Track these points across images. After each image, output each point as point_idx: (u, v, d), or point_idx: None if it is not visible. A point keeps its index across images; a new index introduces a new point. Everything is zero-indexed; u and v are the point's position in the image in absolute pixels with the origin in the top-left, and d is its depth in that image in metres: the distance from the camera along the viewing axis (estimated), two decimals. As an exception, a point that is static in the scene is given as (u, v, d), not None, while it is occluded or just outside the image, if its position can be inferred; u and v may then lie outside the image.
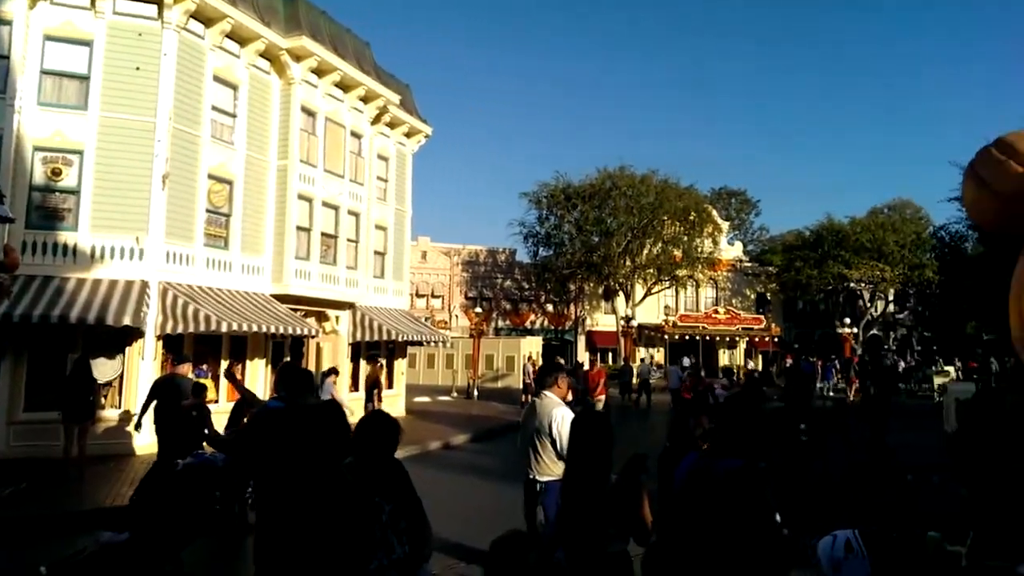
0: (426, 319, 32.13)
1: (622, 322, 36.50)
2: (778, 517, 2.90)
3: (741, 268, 46.63)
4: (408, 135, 22.48)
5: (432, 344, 24.27)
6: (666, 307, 41.59)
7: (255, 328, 14.03)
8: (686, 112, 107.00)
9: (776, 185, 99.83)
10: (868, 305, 45.24)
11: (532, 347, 34.54)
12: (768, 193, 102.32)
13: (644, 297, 39.21)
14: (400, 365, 21.34)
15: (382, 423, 3.22)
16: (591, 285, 40.22)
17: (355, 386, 18.78)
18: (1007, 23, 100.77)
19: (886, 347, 45.14)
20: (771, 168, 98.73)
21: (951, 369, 30.38)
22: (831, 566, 2.17)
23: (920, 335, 49.01)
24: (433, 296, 41.88)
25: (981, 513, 6.66)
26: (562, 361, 26.27)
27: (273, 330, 14.59)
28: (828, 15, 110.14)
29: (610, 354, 40.98)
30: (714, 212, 44.05)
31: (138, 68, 13.70)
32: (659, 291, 39.94)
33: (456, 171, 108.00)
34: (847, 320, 39.76)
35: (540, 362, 30.26)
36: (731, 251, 46.42)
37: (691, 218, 38.77)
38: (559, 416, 5.05)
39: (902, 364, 35.24)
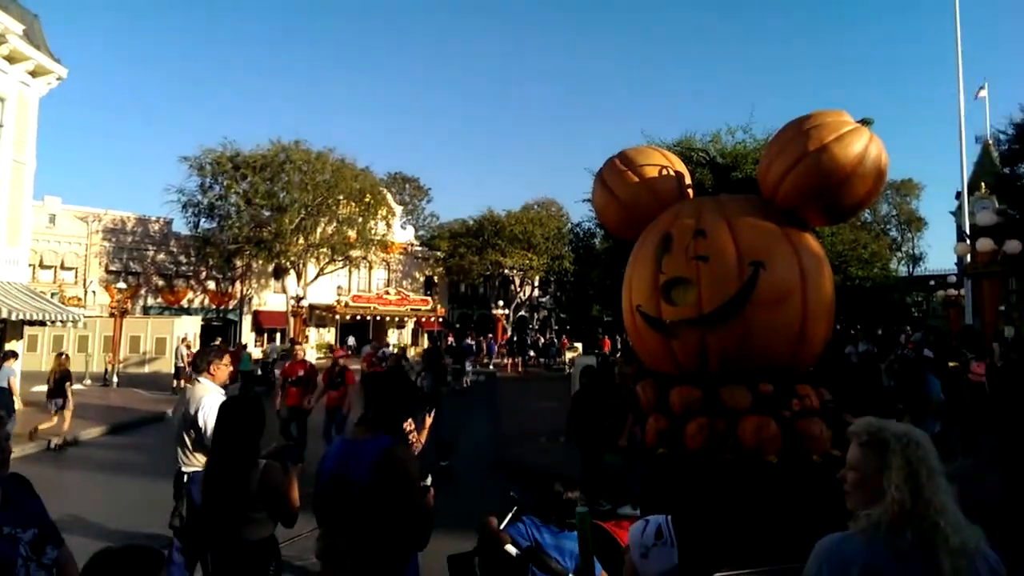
0: (53, 294, 27.23)
1: (292, 302, 35.37)
2: (429, 480, 3.03)
3: (412, 252, 48.45)
4: (34, 74, 18.64)
5: (59, 324, 20.59)
6: (339, 287, 41.33)
7: None
8: (367, 96, 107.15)
9: (446, 176, 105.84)
10: (518, 289, 50.63)
11: (188, 328, 31.60)
12: (439, 182, 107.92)
13: (316, 276, 38.42)
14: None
15: None
16: (260, 262, 38.02)
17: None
18: (635, 53, 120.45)
19: (531, 326, 51.08)
20: (442, 160, 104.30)
21: (579, 345, 35.57)
22: (640, 552, 2.09)
23: (558, 316, 56.45)
24: (64, 268, 35.53)
25: (591, 464, 7.92)
26: (219, 342, 24.49)
27: None
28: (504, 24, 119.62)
29: (278, 335, 39.46)
30: (389, 196, 44.94)
31: None
32: (332, 271, 39.47)
33: (103, 125, 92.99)
34: (501, 302, 43.96)
35: (197, 344, 27.80)
36: (403, 235, 47.92)
37: (367, 200, 38.97)
38: (207, 404, 4.70)
39: (542, 340, 40.18)
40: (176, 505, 4.84)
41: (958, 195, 29.87)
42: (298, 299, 34.95)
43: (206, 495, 3.29)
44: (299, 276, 37.26)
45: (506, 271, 48.55)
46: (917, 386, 6.59)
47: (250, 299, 40.11)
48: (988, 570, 1.79)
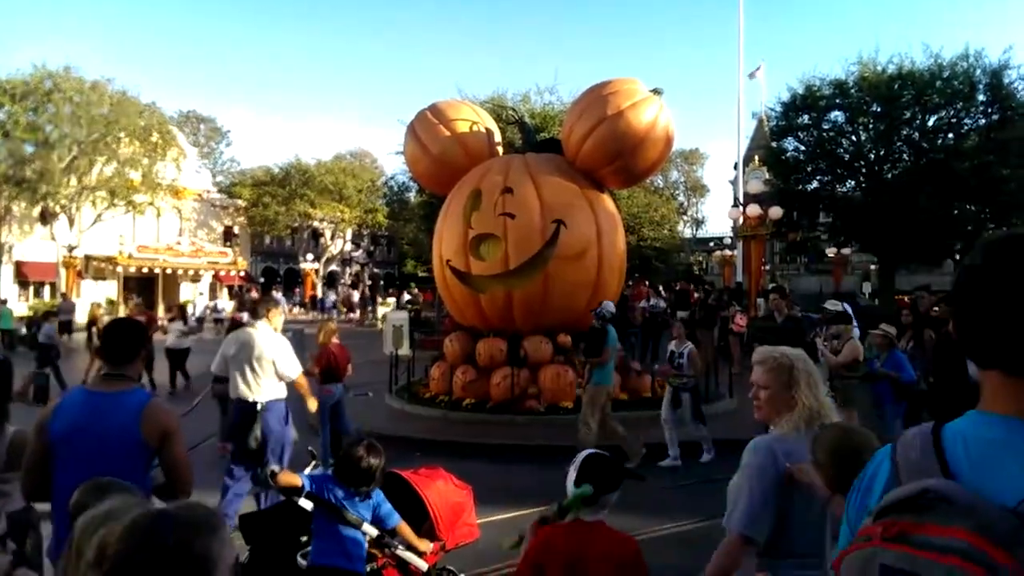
0: None
1: (64, 251, 31.34)
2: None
3: (208, 199, 44.81)
4: None
5: None
6: (121, 236, 37.19)
7: None
8: (152, 27, 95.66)
9: (250, 120, 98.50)
10: (329, 243, 48.97)
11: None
12: (240, 125, 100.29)
13: (94, 223, 34.25)
14: None
15: None
16: (22, 205, 33.06)
17: None
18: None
19: (342, 281, 49.89)
20: (245, 102, 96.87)
21: (392, 300, 35.40)
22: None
23: (371, 271, 55.58)
24: None
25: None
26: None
27: None
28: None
29: (47, 288, 34.86)
30: (180, 136, 40.96)
31: None
32: (113, 218, 35.38)
33: None
34: (310, 256, 42.27)
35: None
36: (198, 180, 44.11)
37: (153, 139, 35.15)
38: (271, 342, 5.92)
39: (356, 295, 39.39)
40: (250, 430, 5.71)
41: (735, 166, 33.41)
42: (71, 248, 31.06)
43: None
44: (71, 222, 33.03)
45: (316, 223, 46.59)
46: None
47: (11, 248, 34.89)
48: None
